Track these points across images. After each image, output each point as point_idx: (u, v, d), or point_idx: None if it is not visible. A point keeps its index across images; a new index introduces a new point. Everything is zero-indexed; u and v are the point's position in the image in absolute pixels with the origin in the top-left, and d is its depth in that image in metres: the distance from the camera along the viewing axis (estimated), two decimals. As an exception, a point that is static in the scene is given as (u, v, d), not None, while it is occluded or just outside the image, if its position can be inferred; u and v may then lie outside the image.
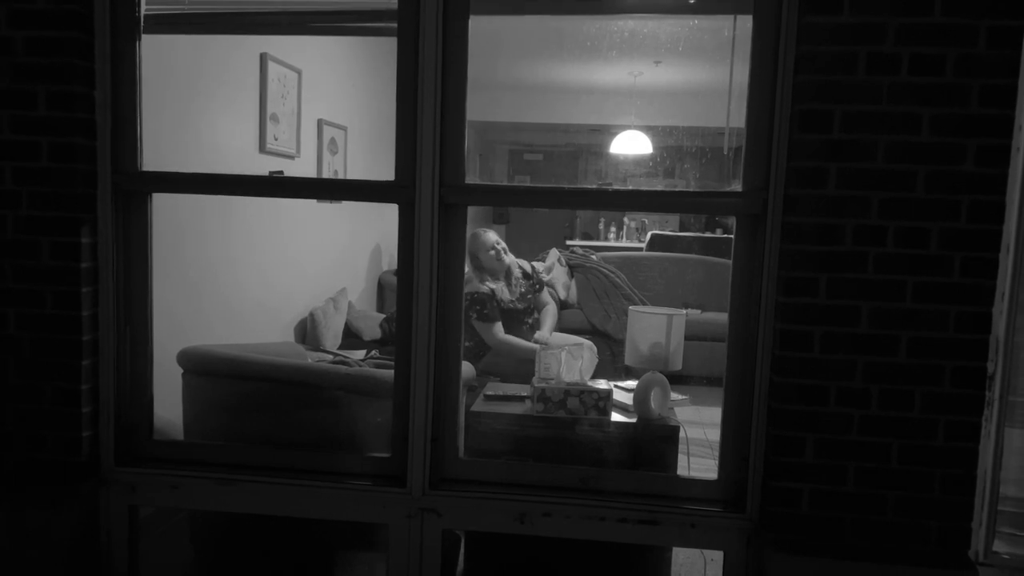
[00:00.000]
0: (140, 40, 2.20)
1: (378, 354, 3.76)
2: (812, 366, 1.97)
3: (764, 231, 2.02)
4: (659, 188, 8.38)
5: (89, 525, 2.26)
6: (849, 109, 1.90)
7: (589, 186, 2.18)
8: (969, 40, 1.85)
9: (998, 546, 2.24)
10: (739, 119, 2.10)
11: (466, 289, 3.82)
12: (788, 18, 1.95)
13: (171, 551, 2.62)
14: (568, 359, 2.48)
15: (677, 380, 4.49)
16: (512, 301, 4.03)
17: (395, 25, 2.11)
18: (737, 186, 2.08)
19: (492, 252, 3.97)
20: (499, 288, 3.98)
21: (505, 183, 9.78)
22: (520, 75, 7.33)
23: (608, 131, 7.95)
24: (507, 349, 3.89)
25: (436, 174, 2.12)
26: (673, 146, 9.40)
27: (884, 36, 1.87)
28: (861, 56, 1.88)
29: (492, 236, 4.01)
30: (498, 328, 3.89)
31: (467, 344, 4.04)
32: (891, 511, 1.97)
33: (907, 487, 1.97)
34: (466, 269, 3.87)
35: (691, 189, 2.35)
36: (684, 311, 2.63)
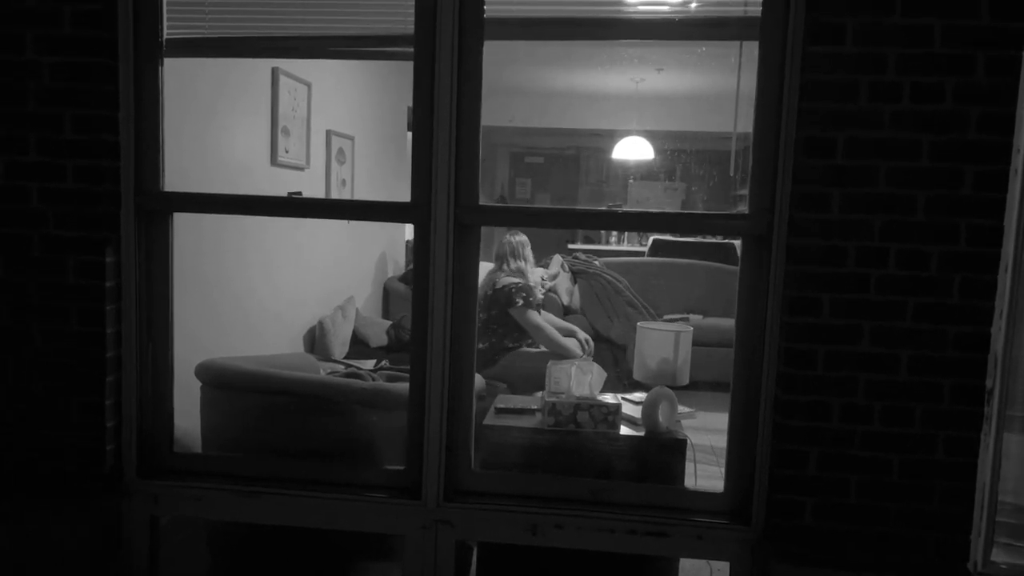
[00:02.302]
0: (162, 64, 2.27)
1: (388, 363, 3.82)
2: (816, 383, 2.04)
3: (770, 252, 2.09)
4: (665, 193, 8.42)
5: (111, 535, 2.32)
6: (852, 135, 1.96)
7: (599, 207, 2.25)
8: (968, 69, 1.92)
9: (996, 556, 2.31)
10: (744, 139, 2.16)
11: (508, 280, 4.07)
12: (793, 48, 2.01)
13: (190, 559, 2.68)
14: (578, 374, 2.55)
15: (690, 387, 4.56)
16: (541, 298, 4.33)
17: (410, 50, 2.17)
18: (743, 206, 2.14)
19: (531, 253, 4.31)
20: (536, 284, 4.27)
21: (515, 203, 9.92)
22: (523, 80, 7.39)
23: (610, 135, 8.03)
24: (540, 334, 4.08)
25: (451, 195, 2.18)
26: (674, 150, 9.47)
27: (886, 65, 1.94)
28: (863, 84, 1.95)
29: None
30: (534, 314, 4.10)
31: (482, 346, 4.15)
32: (892, 523, 2.04)
33: (907, 500, 2.03)
34: (509, 266, 4.15)
35: (699, 211, 2.42)
36: (691, 327, 2.69)
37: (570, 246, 8.58)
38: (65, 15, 2.17)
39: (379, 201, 2.30)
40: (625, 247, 9.24)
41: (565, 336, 4.22)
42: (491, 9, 2.15)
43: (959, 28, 1.91)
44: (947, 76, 1.93)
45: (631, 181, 10.33)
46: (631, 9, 2.22)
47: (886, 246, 1.98)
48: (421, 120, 2.17)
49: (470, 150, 2.19)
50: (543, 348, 4.25)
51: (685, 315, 6.11)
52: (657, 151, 7.94)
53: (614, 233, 9.43)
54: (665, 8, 2.20)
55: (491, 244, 4.51)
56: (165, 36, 2.27)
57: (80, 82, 2.19)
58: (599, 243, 9.37)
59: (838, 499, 2.06)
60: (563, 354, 4.03)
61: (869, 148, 1.96)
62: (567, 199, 10.59)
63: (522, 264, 4.22)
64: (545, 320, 4.34)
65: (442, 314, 2.21)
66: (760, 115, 2.08)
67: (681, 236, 6.96)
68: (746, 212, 2.12)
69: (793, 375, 2.05)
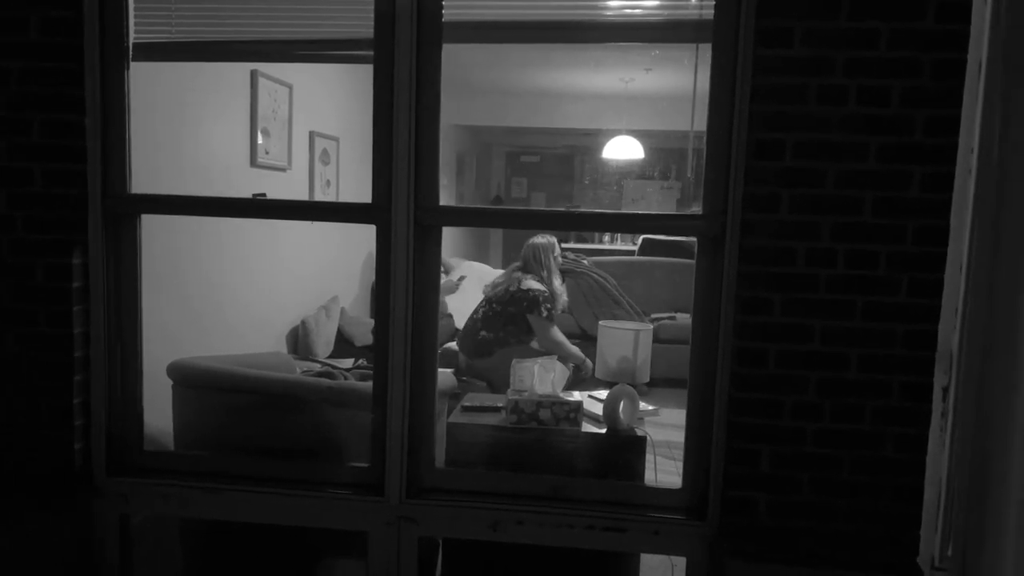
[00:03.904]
0: (128, 69, 2.30)
1: (366, 362, 3.86)
2: (768, 381, 2.07)
3: (723, 253, 2.12)
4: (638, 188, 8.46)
5: (82, 534, 2.36)
6: (801, 138, 2.00)
7: (558, 208, 2.28)
8: (914, 72, 1.95)
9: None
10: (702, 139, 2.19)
11: (535, 285, 4.14)
12: (744, 50, 2.04)
13: (163, 556, 2.72)
14: (541, 372, 2.58)
15: (669, 384, 4.63)
16: (560, 310, 4.38)
17: (372, 53, 2.21)
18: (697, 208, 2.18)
19: (557, 257, 4.36)
20: (559, 294, 4.29)
21: (511, 202, 10.00)
22: (516, 80, 7.43)
23: (602, 134, 8.07)
24: (560, 349, 4.18)
25: (411, 196, 2.22)
26: (665, 149, 9.50)
27: (833, 69, 1.97)
28: (812, 87, 1.98)
29: (557, 244, 4.39)
30: (557, 330, 4.23)
31: (485, 335, 4.18)
32: (843, 519, 2.07)
33: (858, 497, 2.06)
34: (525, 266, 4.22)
35: (654, 212, 2.46)
36: (651, 326, 2.72)
37: (563, 246, 8.62)
38: (32, 22, 2.20)
39: (340, 202, 2.34)
40: (618, 246, 9.30)
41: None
42: (449, 13, 2.18)
43: (905, 32, 1.94)
44: (894, 79, 1.96)
45: (625, 180, 10.37)
46: (586, 12, 2.25)
47: (835, 246, 2.01)
48: (381, 122, 2.21)
49: (430, 152, 2.22)
50: (536, 347, 4.34)
51: (672, 314, 6.14)
52: (647, 150, 7.98)
53: (607, 233, 9.47)
54: (618, 10, 2.23)
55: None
56: (132, 41, 2.31)
57: (48, 87, 2.22)
58: (592, 242, 9.41)
59: (791, 496, 2.09)
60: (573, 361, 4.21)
61: (818, 150, 1.99)
62: (562, 197, 10.65)
63: (544, 273, 4.25)
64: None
65: (403, 314, 2.24)
66: (713, 117, 2.11)
67: (669, 235, 6.97)
68: (700, 213, 2.15)
69: (746, 374, 2.08)
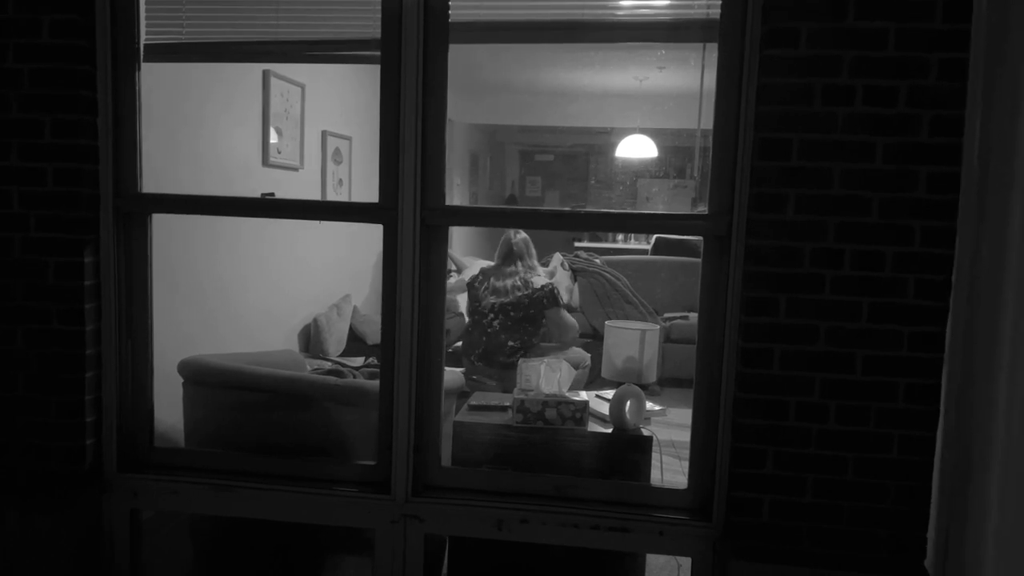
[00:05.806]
0: (140, 70, 2.33)
1: (376, 361, 3.87)
2: (773, 382, 2.07)
3: (729, 252, 2.12)
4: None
5: (93, 529, 2.39)
6: (806, 138, 1.99)
7: (564, 208, 2.29)
8: (921, 72, 1.94)
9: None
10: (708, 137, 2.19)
11: (543, 280, 4.21)
12: (750, 50, 2.04)
13: (172, 551, 2.75)
14: (547, 371, 2.58)
15: (681, 384, 4.64)
16: None
17: (379, 53, 2.22)
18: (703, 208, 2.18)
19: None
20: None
21: (525, 201, 10.03)
22: (529, 80, 7.43)
23: (615, 132, 8.06)
24: (575, 330, 4.31)
25: (418, 196, 2.23)
26: (678, 147, 9.48)
27: (839, 69, 1.96)
28: (817, 88, 1.97)
29: None
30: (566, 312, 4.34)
31: (512, 344, 4.19)
32: (847, 521, 2.06)
33: (862, 498, 2.05)
34: (531, 266, 4.28)
35: (660, 212, 2.46)
36: (657, 326, 2.72)
37: (576, 244, 8.62)
38: (43, 24, 2.23)
39: (347, 202, 2.35)
40: (631, 245, 9.28)
41: None
42: (456, 13, 2.19)
43: (913, 31, 1.93)
44: (900, 79, 1.94)
45: (640, 179, 10.35)
46: (593, 12, 2.25)
47: (841, 247, 2.00)
48: (387, 123, 2.22)
49: (436, 152, 2.23)
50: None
51: (684, 313, 6.12)
52: (661, 148, 7.96)
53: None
54: (625, 9, 2.23)
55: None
56: (143, 42, 2.34)
57: (59, 88, 2.25)
58: (605, 241, 9.40)
59: (795, 497, 2.08)
60: (578, 351, 4.27)
61: (823, 150, 1.98)
62: (576, 196, 10.64)
63: (534, 263, 4.28)
64: None
65: (409, 313, 2.26)
66: (719, 117, 2.11)
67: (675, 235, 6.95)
68: (706, 212, 2.15)
69: (750, 374, 2.08)
